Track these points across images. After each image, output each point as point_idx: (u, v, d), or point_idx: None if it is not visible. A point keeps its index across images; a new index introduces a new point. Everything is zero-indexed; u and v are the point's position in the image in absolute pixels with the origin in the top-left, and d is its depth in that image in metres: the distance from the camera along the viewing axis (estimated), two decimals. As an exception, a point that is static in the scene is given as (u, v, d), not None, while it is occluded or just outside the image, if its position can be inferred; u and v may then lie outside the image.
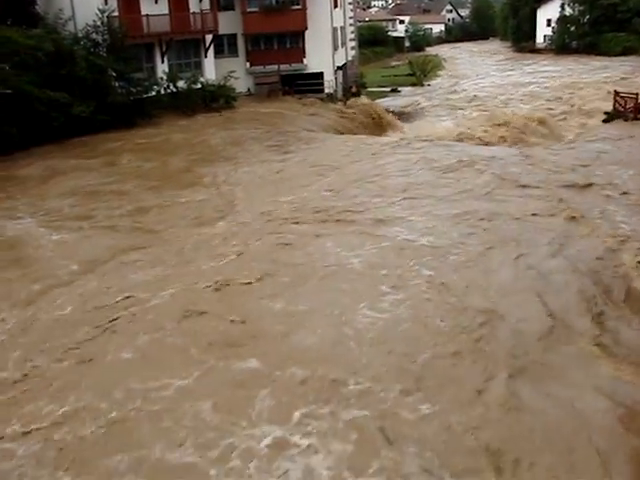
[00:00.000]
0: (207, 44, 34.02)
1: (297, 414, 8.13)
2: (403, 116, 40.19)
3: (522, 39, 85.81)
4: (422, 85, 55.36)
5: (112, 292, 11.94)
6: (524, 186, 17.92)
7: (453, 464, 7.21)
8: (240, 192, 18.67)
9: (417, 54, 78.42)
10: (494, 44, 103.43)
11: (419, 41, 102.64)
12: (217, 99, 32.32)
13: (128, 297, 11.66)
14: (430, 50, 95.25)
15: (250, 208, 16.93)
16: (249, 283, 12.14)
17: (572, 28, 75.30)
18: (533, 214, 15.47)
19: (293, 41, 37.70)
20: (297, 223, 15.53)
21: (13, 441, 7.84)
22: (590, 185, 18.04)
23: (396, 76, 61.06)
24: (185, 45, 33.32)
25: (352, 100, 38.71)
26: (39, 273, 13.02)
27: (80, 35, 27.76)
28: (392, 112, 39.78)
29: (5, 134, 22.58)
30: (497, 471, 7.10)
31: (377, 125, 35.25)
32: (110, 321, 10.80)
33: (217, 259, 13.38)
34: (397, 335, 10.07)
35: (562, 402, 8.31)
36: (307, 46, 37.39)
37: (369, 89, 48.39)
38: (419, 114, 41.74)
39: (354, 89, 42.13)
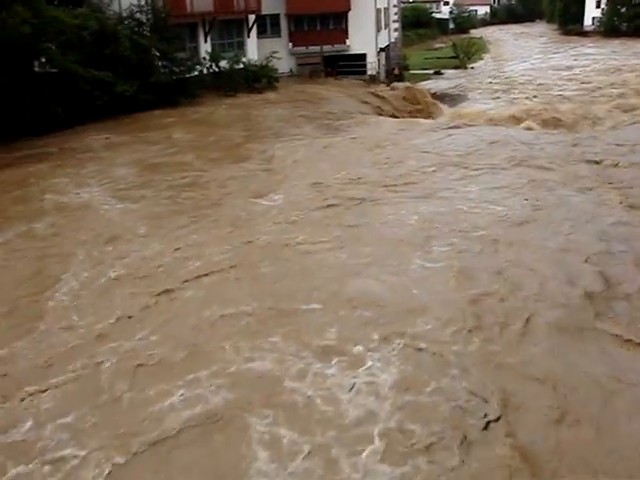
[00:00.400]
0: (250, 24, 33.92)
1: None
2: (445, 99, 39.67)
3: (569, 21, 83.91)
4: (465, 68, 54.57)
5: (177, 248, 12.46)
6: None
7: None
8: (296, 165, 18.96)
9: (461, 36, 77.27)
10: (540, 27, 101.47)
11: (463, 23, 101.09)
12: (259, 79, 32.25)
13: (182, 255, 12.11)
14: (475, 32, 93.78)
15: (308, 179, 17.16)
16: (320, 242, 12.48)
17: (622, 9, 73.35)
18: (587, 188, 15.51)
19: (336, 22, 37.43)
20: (354, 192, 15.71)
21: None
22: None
23: (439, 58, 60.27)
24: (228, 25, 33.26)
25: (394, 82, 38.39)
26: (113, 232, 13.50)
27: (124, 15, 27.90)
28: (434, 95, 39.32)
29: (51, 113, 22.83)
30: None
31: (419, 108, 34.83)
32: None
33: (278, 223, 13.74)
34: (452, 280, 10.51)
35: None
36: (350, 27, 37.09)
37: (412, 71, 47.91)
38: (462, 97, 41.13)
39: (396, 71, 41.80)
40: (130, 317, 9.75)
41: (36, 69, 23.57)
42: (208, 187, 16.90)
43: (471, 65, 55.93)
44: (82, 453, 6.81)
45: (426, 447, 6.65)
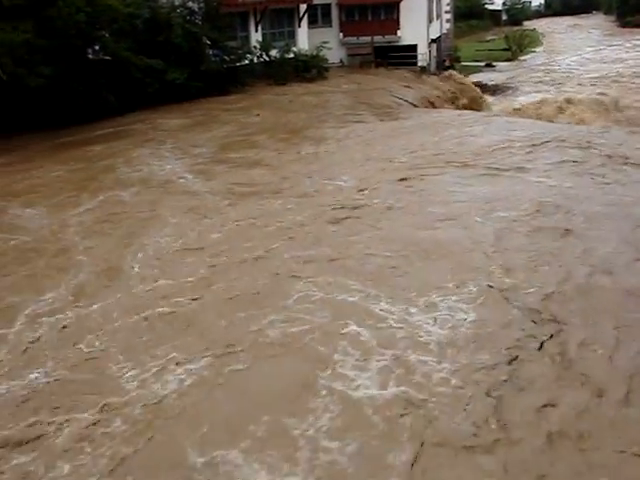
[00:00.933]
0: (301, 14, 33.87)
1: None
2: (497, 92, 39.14)
3: (628, 13, 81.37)
4: (518, 60, 53.72)
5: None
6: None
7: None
8: (362, 146, 19.21)
9: (514, 28, 75.91)
10: (597, 18, 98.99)
11: (517, 15, 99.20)
12: (309, 69, 32.20)
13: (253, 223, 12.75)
14: (528, 24, 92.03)
15: (375, 158, 17.52)
16: (386, 208, 13.07)
17: (686, 0, 71.13)
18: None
19: (388, 12, 37.05)
20: (420, 169, 15.94)
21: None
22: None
23: (491, 50, 59.41)
24: (279, 14, 33.27)
25: (445, 74, 37.94)
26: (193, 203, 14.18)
27: (176, 3, 28.06)
28: (485, 87, 38.80)
29: (103, 100, 23.11)
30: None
31: (469, 99, 34.42)
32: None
33: (348, 194, 14.14)
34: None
35: None
36: (402, 18, 36.67)
37: (463, 63, 47.33)
38: (513, 90, 40.53)
39: (447, 63, 41.31)
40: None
41: (90, 56, 23.87)
42: (284, 163, 17.63)
43: (523, 57, 55.02)
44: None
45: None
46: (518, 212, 12.12)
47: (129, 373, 7.55)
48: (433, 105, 30.15)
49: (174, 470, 6.02)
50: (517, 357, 7.40)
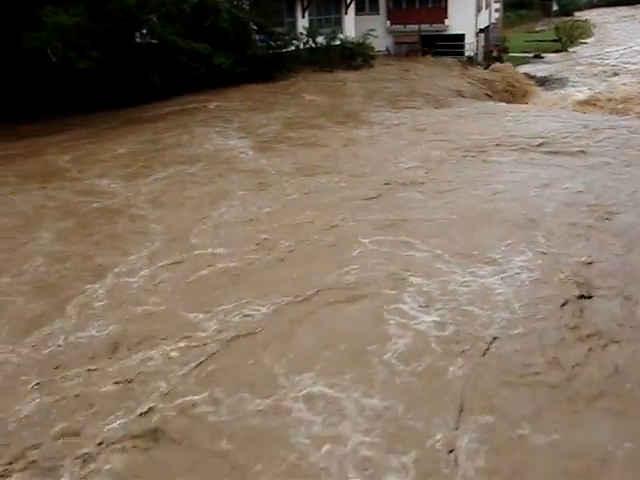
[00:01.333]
0: (348, 1, 33.70)
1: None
2: (545, 83, 38.43)
3: (684, 5, 79.61)
4: (567, 52, 52.68)
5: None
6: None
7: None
8: (416, 130, 19.99)
9: (565, 19, 74.57)
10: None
11: (568, 5, 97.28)
12: (355, 57, 32.06)
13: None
14: (579, 15, 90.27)
15: (431, 141, 18.30)
16: (447, 183, 14.00)
17: None
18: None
19: (436, 0, 36.69)
20: (478, 151, 16.71)
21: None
22: None
23: (540, 41, 58.33)
24: (326, 1, 33.20)
25: (492, 65, 37.44)
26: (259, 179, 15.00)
27: (224, -12, 28.16)
28: (533, 78, 38.14)
29: (149, 83, 23.34)
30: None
31: (516, 92, 33.89)
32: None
33: (409, 172, 14.95)
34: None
35: None
36: (450, 6, 36.32)
37: (510, 54, 46.53)
38: (561, 82, 39.71)
39: (495, 53, 40.73)
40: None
41: (137, 40, 24.09)
42: (342, 145, 18.28)
43: (573, 49, 53.91)
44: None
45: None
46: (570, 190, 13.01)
47: (216, 315, 8.49)
48: (480, 96, 29.76)
49: (260, 386, 6.96)
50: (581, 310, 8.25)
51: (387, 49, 36.41)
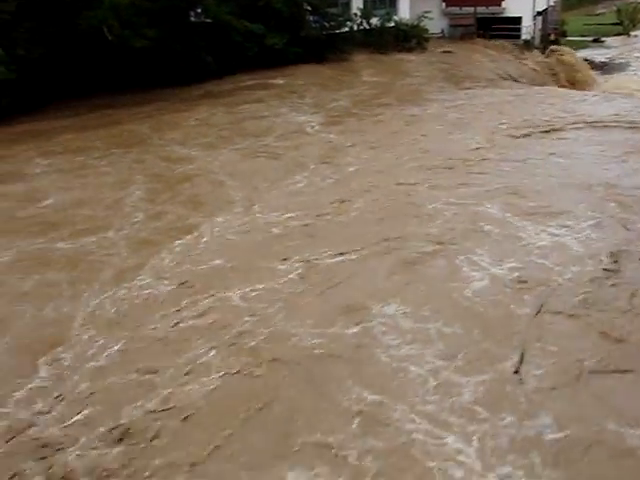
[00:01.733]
0: (404, -19, 33.24)
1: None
2: (605, 68, 37.51)
3: None
4: (629, 36, 51.23)
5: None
6: None
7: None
8: (479, 110, 20.54)
9: (628, 1, 72.40)
10: None
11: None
12: (409, 39, 31.56)
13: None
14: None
15: (493, 119, 18.92)
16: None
17: None
18: None
19: (493, -18, 35.91)
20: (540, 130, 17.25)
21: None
22: None
23: (600, 25, 56.84)
24: (381, -18, 32.77)
25: (550, 48, 36.59)
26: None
27: (278, -32, 27.99)
28: (592, 64, 37.24)
29: (202, 62, 23.44)
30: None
31: (574, 77, 33.13)
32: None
33: (476, 144, 15.93)
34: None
35: None
36: (507, -12, 35.53)
37: (569, 38, 45.48)
38: (622, 67, 38.75)
39: (552, 37, 39.76)
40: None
41: (192, 19, 24.18)
42: (410, 121, 19.14)
43: (635, 33, 52.39)
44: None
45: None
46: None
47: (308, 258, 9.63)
48: (537, 80, 29.20)
49: (350, 313, 7.99)
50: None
51: (442, 31, 35.79)
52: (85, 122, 18.80)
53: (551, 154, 14.66)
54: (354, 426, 6.02)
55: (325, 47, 28.00)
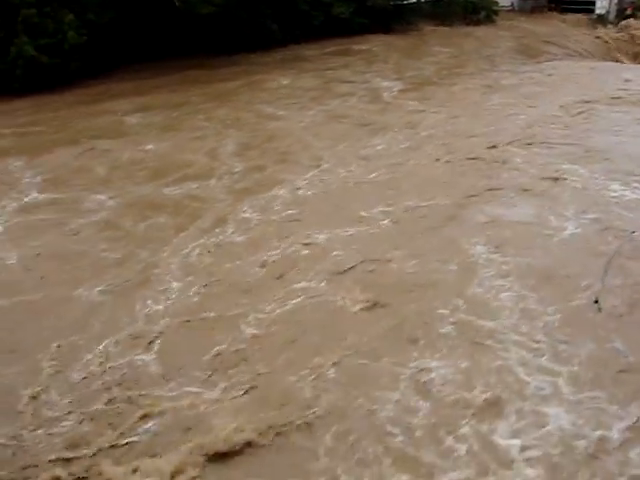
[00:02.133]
0: (473, -49, 32.18)
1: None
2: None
3: None
4: None
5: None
6: None
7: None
8: (558, 81, 20.73)
9: None
10: None
11: None
12: (478, 11, 30.65)
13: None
14: None
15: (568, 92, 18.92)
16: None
17: None
18: None
19: (566, -47, 34.54)
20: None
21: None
22: None
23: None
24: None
25: (623, 23, 35.09)
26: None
27: None
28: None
29: (267, 30, 23.17)
30: None
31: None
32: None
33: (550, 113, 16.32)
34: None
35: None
36: (581, -41, 34.11)
37: (646, 13, 43.62)
38: None
39: (629, 11, 38.16)
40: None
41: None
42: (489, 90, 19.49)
43: None
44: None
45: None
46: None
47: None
48: (610, 55, 28.13)
49: (441, 251, 9.09)
50: None
51: (511, 4, 34.63)
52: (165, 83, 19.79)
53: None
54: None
55: (392, 18, 27.39)
